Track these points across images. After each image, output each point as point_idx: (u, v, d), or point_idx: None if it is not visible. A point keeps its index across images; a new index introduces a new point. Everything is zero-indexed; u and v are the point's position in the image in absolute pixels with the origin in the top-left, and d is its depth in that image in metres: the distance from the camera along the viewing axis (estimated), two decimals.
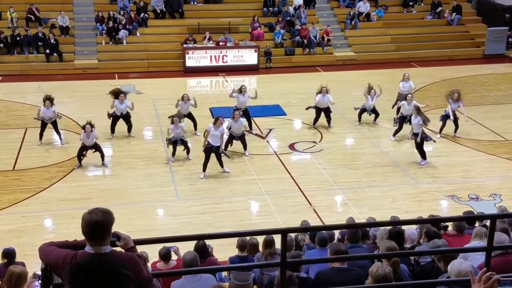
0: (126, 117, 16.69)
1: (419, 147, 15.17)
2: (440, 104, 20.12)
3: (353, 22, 26.51)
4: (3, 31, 23.30)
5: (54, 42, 23.38)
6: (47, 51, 23.21)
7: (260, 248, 8.19)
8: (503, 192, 13.89)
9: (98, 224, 4.00)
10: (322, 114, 17.35)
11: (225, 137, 15.04)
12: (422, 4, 28.19)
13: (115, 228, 4.14)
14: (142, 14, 25.26)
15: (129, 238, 4.30)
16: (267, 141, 16.86)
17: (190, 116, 16.83)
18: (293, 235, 9.31)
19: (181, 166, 15.21)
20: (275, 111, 18.99)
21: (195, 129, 17.01)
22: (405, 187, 14.28)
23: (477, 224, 8.89)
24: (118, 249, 4.24)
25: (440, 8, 27.47)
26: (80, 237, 4.15)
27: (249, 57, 24.22)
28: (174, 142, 15.06)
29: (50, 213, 12.92)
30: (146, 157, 15.64)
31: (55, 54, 23.35)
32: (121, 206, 12.81)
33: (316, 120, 17.52)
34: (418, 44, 26.36)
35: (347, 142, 17.28)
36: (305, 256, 7.92)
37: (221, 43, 24.07)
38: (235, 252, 8.52)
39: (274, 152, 16.20)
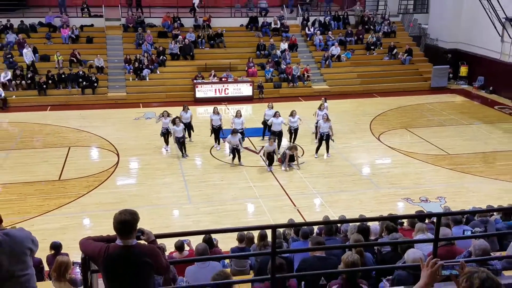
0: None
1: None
2: (397, 125, 20.22)
3: (327, 62, 26.64)
4: (50, 70, 23.32)
5: (93, 79, 23.44)
6: (86, 83, 23.24)
7: (255, 241, 8.17)
8: (446, 195, 13.93)
9: (126, 222, 4.01)
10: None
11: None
12: (381, 48, 28.34)
13: (139, 225, 4.14)
14: (161, 57, 25.33)
15: (151, 233, 4.29)
16: (260, 156, 16.85)
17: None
18: (281, 230, 9.30)
19: (193, 176, 15.19)
20: (267, 132, 18.92)
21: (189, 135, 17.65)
22: (370, 191, 14.29)
23: (426, 221, 8.90)
24: (143, 242, 4.24)
25: (395, 51, 27.69)
26: (112, 233, 4.15)
27: (246, 89, 24.25)
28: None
29: (88, 214, 12.86)
30: (165, 169, 15.62)
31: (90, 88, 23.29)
32: (145, 208, 12.77)
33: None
34: (379, 79, 26.47)
35: (324, 156, 17.26)
36: (291, 247, 7.90)
37: (223, 79, 24.14)
38: (235, 244, 8.50)
39: (266, 164, 16.17)
